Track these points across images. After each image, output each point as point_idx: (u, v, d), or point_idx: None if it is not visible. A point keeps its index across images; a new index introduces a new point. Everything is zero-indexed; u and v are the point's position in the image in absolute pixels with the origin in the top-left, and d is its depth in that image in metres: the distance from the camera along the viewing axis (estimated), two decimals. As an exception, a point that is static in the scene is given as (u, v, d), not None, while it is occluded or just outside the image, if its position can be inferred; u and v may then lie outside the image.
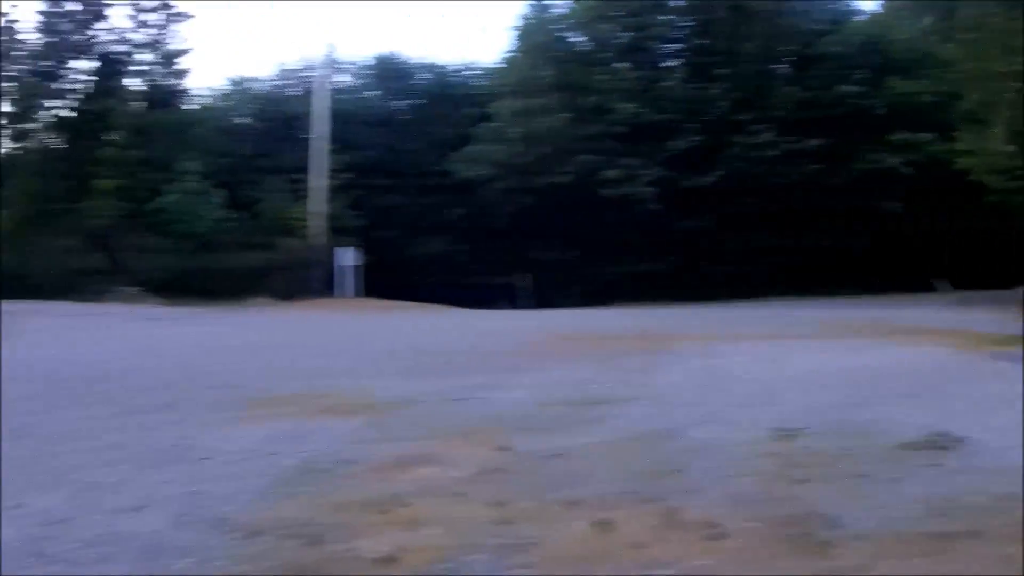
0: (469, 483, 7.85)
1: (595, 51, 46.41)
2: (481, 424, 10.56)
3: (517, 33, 48.98)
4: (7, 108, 44.44)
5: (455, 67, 54.07)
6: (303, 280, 39.30)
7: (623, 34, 45.98)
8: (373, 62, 53.36)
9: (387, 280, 39.61)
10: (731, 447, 8.97)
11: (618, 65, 44.96)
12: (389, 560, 6.08)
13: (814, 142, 41.56)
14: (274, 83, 52.97)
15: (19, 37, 44.42)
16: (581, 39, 47.62)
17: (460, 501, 7.32)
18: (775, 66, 46.17)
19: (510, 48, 50.11)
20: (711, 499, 7.13)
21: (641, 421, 10.55)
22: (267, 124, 49.83)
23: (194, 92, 49.42)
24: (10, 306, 29.02)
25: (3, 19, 44.15)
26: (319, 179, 42.87)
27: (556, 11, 48.69)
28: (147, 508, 7.60)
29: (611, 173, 41.18)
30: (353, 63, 53.28)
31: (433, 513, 6.99)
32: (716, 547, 6.04)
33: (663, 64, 47.28)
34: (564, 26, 47.97)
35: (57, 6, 44.41)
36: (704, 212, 41.81)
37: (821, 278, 41.05)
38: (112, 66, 45.09)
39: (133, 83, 46.72)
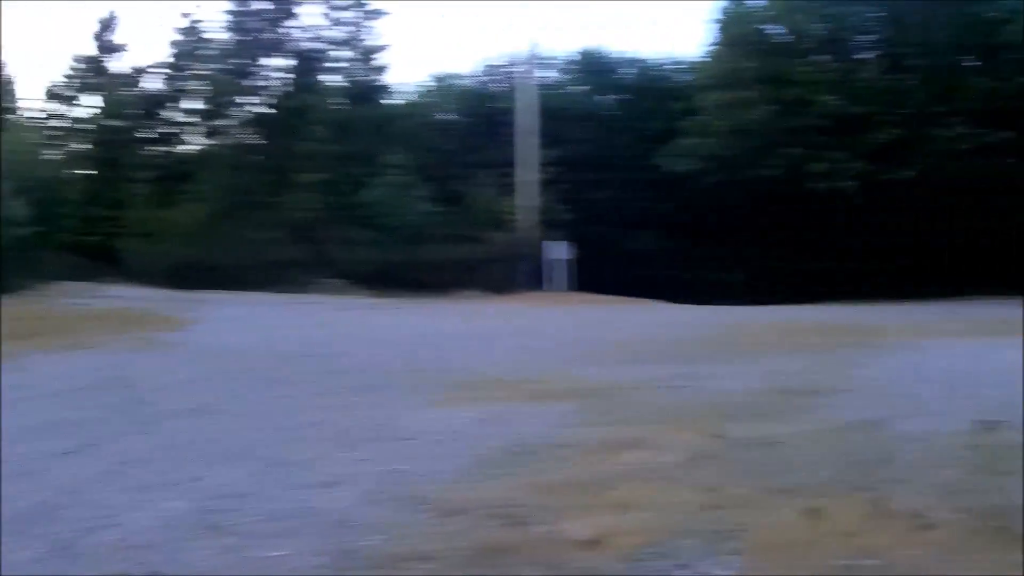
0: (680, 468, 7.74)
1: (794, 43, 45.34)
2: (693, 411, 10.42)
3: (718, 26, 48.18)
4: (199, 105, 45.20)
5: (658, 61, 53.42)
6: (511, 274, 39.01)
7: (818, 26, 44.77)
8: (578, 57, 52.99)
9: (596, 275, 39.05)
10: (935, 438, 8.80)
11: (817, 57, 43.88)
12: (594, 543, 5.83)
13: (1004, 135, 39.67)
14: (478, 79, 53.01)
15: (206, 36, 45.15)
16: (779, 31, 46.56)
17: (670, 486, 7.20)
18: (963, 57, 44.29)
19: (712, 41, 49.27)
20: (917, 489, 7.01)
21: (849, 411, 10.38)
22: (472, 119, 49.76)
23: (396, 88, 49.70)
24: (207, 295, 30.04)
25: (188, 19, 45.09)
26: (527, 173, 42.56)
27: (754, 3, 47.74)
28: (339, 485, 7.41)
29: (817, 167, 40.10)
30: (556, 58, 53.02)
31: (642, 497, 6.87)
32: (922, 538, 5.95)
33: (858, 56, 45.87)
34: (762, 18, 46.95)
35: (245, 5, 44.97)
36: (903, 207, 40.30)
37: (1016, 275, 39.16)
38: (309, 63, 45.56)
39: (331, 80, 47.00)
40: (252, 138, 45.10)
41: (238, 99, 44.85)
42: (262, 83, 45.32)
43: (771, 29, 44.88)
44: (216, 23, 45.02)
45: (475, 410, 10.60)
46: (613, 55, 50.93)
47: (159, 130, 45.71)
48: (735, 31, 44.70)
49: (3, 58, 38.49)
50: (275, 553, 5.77)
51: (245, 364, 15.49)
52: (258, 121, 44.91)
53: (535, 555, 5.63)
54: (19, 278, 30.90)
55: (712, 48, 47.19)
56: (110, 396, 12.06)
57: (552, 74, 49.82)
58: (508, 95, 44.99)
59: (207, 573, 5.51)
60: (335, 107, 45.01)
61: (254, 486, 7.40)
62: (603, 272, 37.96)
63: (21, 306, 25.91)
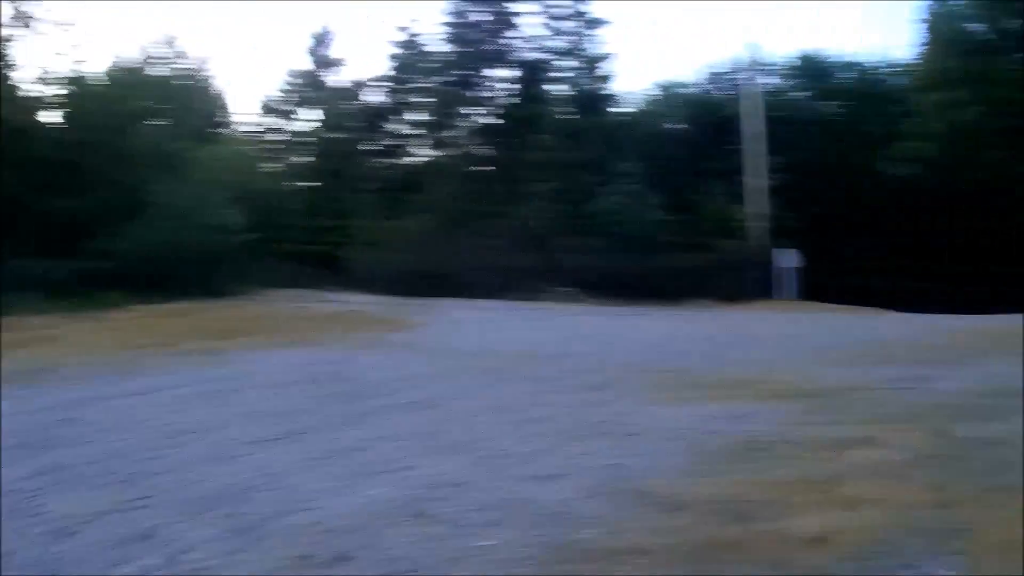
0: (906, 467, 7.65)
1: (995, 41, 43.71)
2: (918, 412, 10.20)
3: (924, 26, 46.87)
4: (423, 117, 45.81)
5: (874, 63, 52.29)
6: (741, 282, 38.43)
7: (1016, 22, 43.07)
8: (798, 62, 52.26)
9: (822, 283, 38.36)
10: None
11: (1018, 55, 42.21)
12: (819, 540, 5.74)
13: None
14: (701, 86, 52.65)
15: (425, 49, 45.71)
16: (982, 29, 44.99)
17: (897, 484, 7.08)
18: None
19: (921, 41, 47.99)
20: None
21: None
22: (697, 127, 49.38)
23: (622, 96, 49.55)
24: (434, 302, 30.28)
25: (405, 32, 45.84)
26: (754, 180, 41.92)
27: (957, 1, 46.25)
28: (560, 478, 7.28)
29: (1027, 169, 38.55)
30: (775, 63, 52.31)
31: (868, 495, 6.76)
32: None
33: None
34: (966, 16, 45.45)
35: (464, 17, 45.30)
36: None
37: None
38: (533, 73, 45.68)
39: (556, 89, 47.04)
40: (479, 148, 45.37)
41: (462, 110, 45.12)
42: (486, 94, 45.53)
43: (974, 27, 43.45)
44: (434, 35, 45.50)
45: (704, 408, 10.41)
46: (831, 58, 50.02)
47: (382, 142, 46.59)
48: (940, 30, 43.46)
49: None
50: (482, 543, 5.64)
51: (470, 363, 15.46)
52: (484, 131, 45.19)
53: (758, 552, 5.51)
54: (236, 283, 31.66)
55: (921, 48, 46.01)
56: (325, 389, 12.24)
57: (772, 79, 49.04)
58: (732, 101, 44.43)
59: (404, 559, 5.38)
60: (562, 116, 44.94)
61: (470, 477, 7.32)
62: (828, 280, 37.17)
63: (237, 308, 26.67)
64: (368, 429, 9.43)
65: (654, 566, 5.25)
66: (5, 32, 33.92)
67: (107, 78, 36.93)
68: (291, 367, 14.53)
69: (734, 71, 46.85)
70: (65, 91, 34.76)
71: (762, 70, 45.66)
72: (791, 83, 49.45)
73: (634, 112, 49.65)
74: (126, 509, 6.54)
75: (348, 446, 8.53)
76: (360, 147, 46.12)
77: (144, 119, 34.81)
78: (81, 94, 34.43)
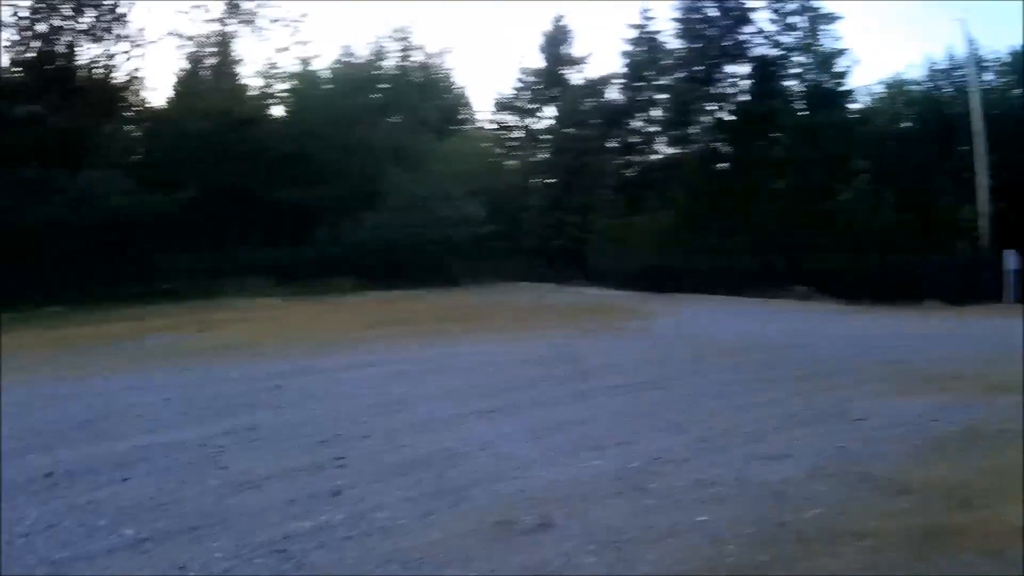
0: None
1: None
2: None
3: None
4: (660, 114, 45.70)
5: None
6: (972, 284, 37.25)
7: None
8: (1008, 58, 50.41)
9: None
10: None
11: None
12: None
13: None
14: (927, 82, 51.30)
15: (661, 46, 45.53)
16: None
17: None
18: None
19: None
20: None
21: None
22: (924, 124, 48.09)
23: (855, 92, 48.45)
24: (669, 296, 30.60)
25: (638, 30, 45.73)
26: (982, 180, 40.59)
27: None
28: (784, 459, 7.09)
29: None
30: (991, 59, 50.55)
31: None
32: None
33: None
34: None
35: (697, 13, 44.80)
36: None
37: None
38: (768, 69, 44.90)
39: (791, 85, 46.24)
40: (716, 145, 44.85)
41: (700, 106, 44.66)
42: (723, 90, 44.96)
43: None
44: (668, 32, 45.32)
45: (929, 400, 10.05)
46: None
47: (620, 139, 46.67)
48: None
49: None
50: (695, 518, 5.46)
51: (699, 350, 15.41)
52: (721, 128, 44.62)
53: (980, 538, 5.28)
54: (472, 273, 31.90)
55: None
56: (551, 369, 12.30)
57: (988, 75, 47.53)
58: (956, 99, 43.17)
59: (610, 530, 5.22)
60: (799, 113, 44.11)
61: (690, 454, 7.21)
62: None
63: (471, 296, 27.13)
64: (592, 406, 9.40)
65: (875, 549, 5.00)
66: (228, 29, 35.11)
67: (337, 72, 37.71)
68: (520, 349, 14.69)
69: (955, 68, 45.67)
70: (293, 85, 35.65)
71: (980, 66, 44.44)
72: (1006, 80, 48.04)
73: (864, 109, 48.63)
74: (318, 469, 6.69)
75: (569, 421, 8.50)
76: (598, 144, 46.21)
77: (376, 112, 35.35)
78: (310, 88, 35.21)
